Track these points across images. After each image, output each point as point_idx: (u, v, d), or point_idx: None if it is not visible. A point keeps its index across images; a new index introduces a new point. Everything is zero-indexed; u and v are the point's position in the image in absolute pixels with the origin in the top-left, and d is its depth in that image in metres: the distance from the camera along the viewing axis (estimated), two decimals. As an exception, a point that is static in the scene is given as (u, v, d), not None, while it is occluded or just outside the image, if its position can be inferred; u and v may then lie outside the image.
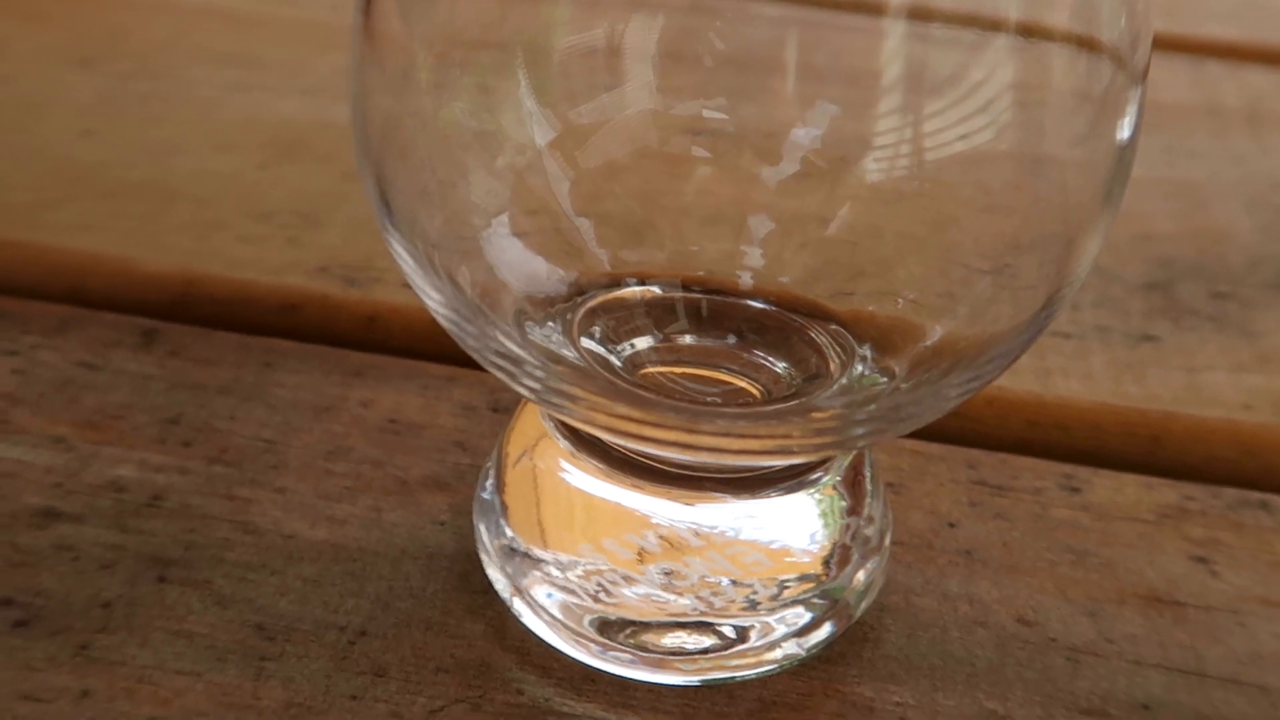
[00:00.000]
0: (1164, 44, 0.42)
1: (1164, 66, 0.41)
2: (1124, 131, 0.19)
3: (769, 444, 0.18)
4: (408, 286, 0.28)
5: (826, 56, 0.21)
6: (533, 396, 0.19)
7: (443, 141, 0.20)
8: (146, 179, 0.32)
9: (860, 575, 0.21)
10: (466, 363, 0.26)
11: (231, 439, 0.24)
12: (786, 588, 0.21)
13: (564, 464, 0.21)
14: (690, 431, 0.18)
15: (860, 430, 0.18)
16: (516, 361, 0.19)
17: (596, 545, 0.21)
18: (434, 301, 0.19)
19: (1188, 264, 0.31)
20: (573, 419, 0.19)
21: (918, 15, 0.19)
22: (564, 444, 0.21)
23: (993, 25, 0.19)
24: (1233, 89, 0.40)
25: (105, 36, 0.39)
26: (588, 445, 0.21)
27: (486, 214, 0.21)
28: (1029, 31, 0.18)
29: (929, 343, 0.20)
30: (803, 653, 0.21)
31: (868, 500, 0.22)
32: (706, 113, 0.22)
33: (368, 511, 0.23)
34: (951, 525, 0.24)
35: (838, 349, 0.21)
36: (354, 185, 0.32)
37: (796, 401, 0.20)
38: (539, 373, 0.18)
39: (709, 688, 0.20)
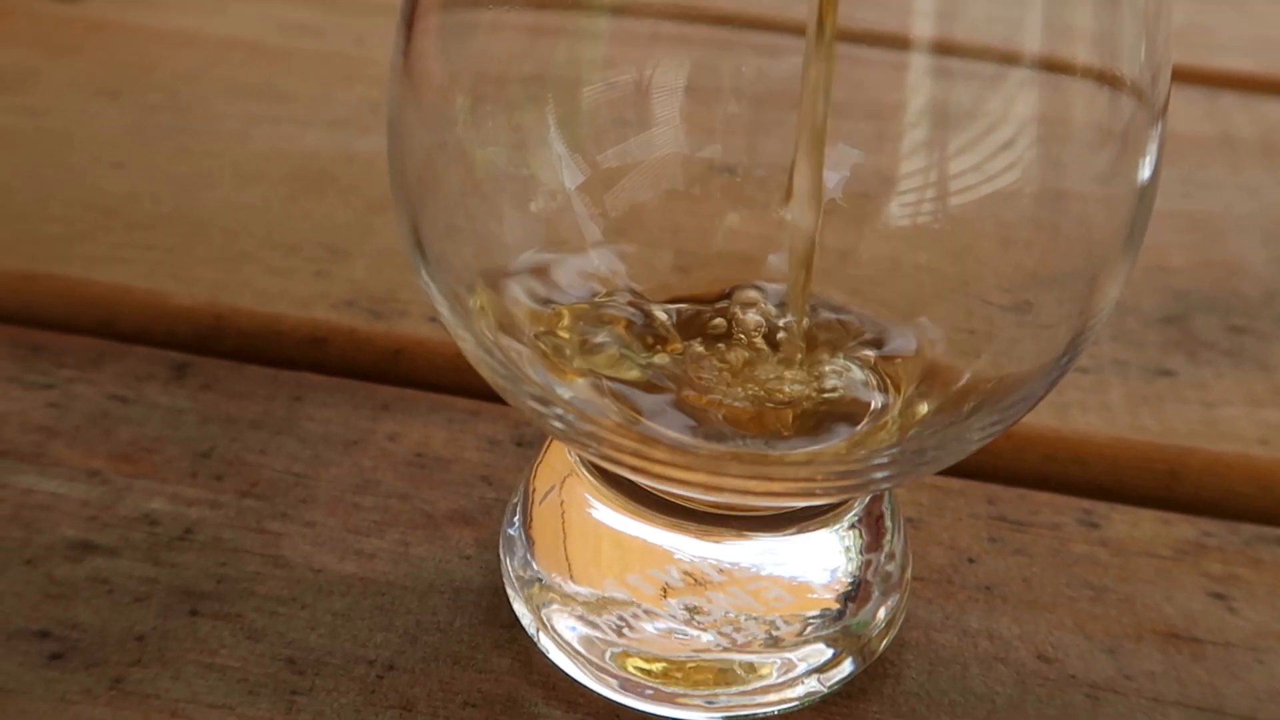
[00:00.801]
0: (1178, 75, 0.42)
1: (1178, 98, 0.41)
2: (1145, 170, 0.19)
3: (792, 486, 0.18)
4: (432, 320, 0.29)
5: (849, 92, 0.21)
6: (560, 436, 0.19)
7: (478, 185, 0.21)
8: (175, 211, 0.33)
9: (881, 612, 0.22)
10: (490, 396, 0.26)
11: (262, 472, 0.25)
12: (808, 624, 0.21)
13: (591, 500, 0.21)
14: (716, 474, 0.18)
15: (883, 473, 0.18)
16: (545, 402, 0.19)
17: (621, 580, 0.21)
18: (466, 342, 0.19)
19: (1203, 297, 0.32)
20: (599, 459, 0.19)
21: (940, 50, 0.19)
22: (592, 480, 0.21)
23: (1014, 59, 0.19)
24: (1247, 121, 0.40)
25: (134, 69, 0.39)
26: (615, 482, 0.21)
27: (518, 252, 0.21)
28: (1051, 66, 0.19)
29: (955, 384, 0.20)
30: (824, 689, 0.21)
31: (888, 537, 0.22)
32: (731, 155, 0.22)
33: (395, 545, 0.23)
34: (971, 561, 0.24)
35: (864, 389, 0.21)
36: (379, 217, 0.33)
37: (818, 446, 0.20)
38: (566, 414, 0.19)
39: (732, 723, 0.21)
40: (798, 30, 0.20)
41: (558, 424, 0.19)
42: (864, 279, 0.22)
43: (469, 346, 0.19)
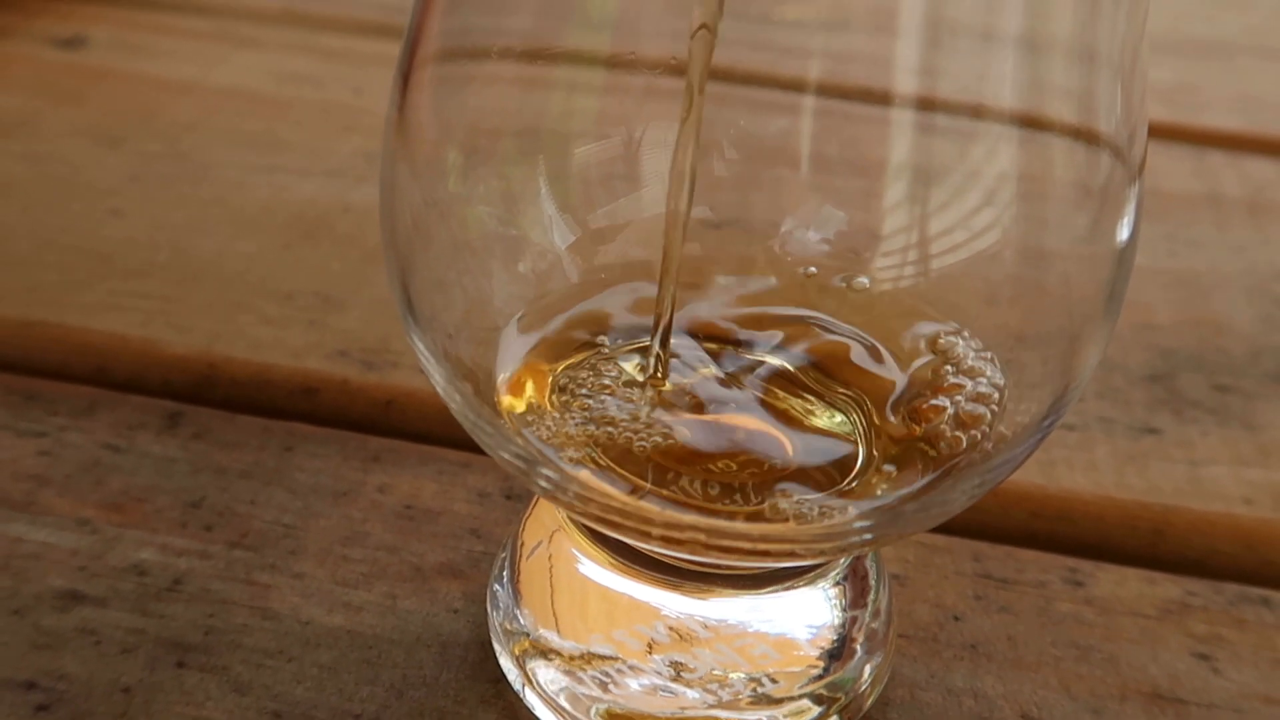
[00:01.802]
0: (1166, 133, 0.43)
1: (1166, 155, 0.42)
2: (1124, 231, 0.19)
3: (775, 547, 0.19)
4: (424, 372, 0.29)
5: (835, 147, 0.21)
6: (546, 495, 0.19)
7: (468, 243, 0.21)
8: (172, 259, 0.33)
9: (867, 669, 0.22)
10: (480, 448, 0.26)
11: (252, 523, 0.25)
12: (794, 681, 0.21)
13: (579, 555, 0.22)
14: (706, 533, 0.18)
15: (866, 536, 0.18)
16: (530, 461, 0.19)
17: (607, 636, 0.21)
18: (454, 403, 0.20)
19: (1189, 355, 0.32)
20: (585, 518, 0.19)
21: (922, 106, 0.20)
22: (579, 536, 0.21)
23: (992, 117, 0.19)
24: (1234, 179, 0.41)
25: (135, 117, 0.40)
26: (602, 538, 0.21)
27: (506, 312, 0.22)
28: (1030, 123, 0.19)
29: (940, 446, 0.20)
30: (809, 747, 0.21)
31: (873, 594, 0.22)
32: (721, 211, 0.23)
33: (383, 598, 0.23)
34: (956, 618, 0.24)
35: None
36: (373, 268, 0.33)
37: (803, 508, 0.20)
38: (552, 474, 0.19)
39: (716, 781, 0.21)
40: (788, 85, 0.21)
41: (543, 484, 0.19)
42: (850, 336, 0.23)
43: (456, 406, 0.20)
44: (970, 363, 0.21)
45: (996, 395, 0.21)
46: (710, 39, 0.19)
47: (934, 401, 0.21)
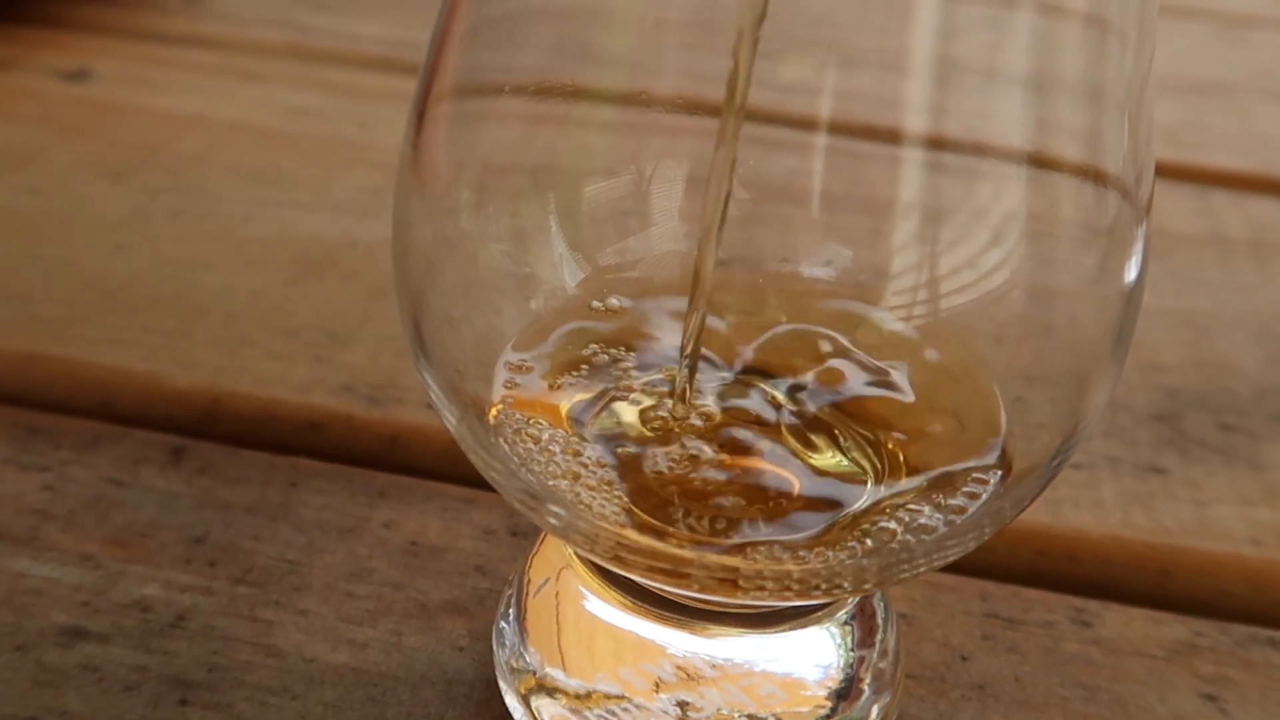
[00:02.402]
0: (1170, 173, 0.43)
1: (1170, 195, 0.42)
2: (1131, 272, 0.19)
3: (787, 585, 0.18)
4: (429, 407, 0.29)
5: (842, 185, 0.21)
6: (555, 532, 0.19)
7: (480, 280, 0.21)
8: (177, 294, 0.33)
9: (874, 709, 0.22)
10: (485, 484, 0.26)
11: (256, 559, 0.25)
12: (801, 722, 0.21)
13: (586, 593, 0.21)
14: (722, 570, 0.18)
15: (873, 577, 0.18)
16: (539, 498, 0.19)
17: (613, 674, 0.21)
18: (464, 441, 0.20)
19: (1195, 395, 0.32)
20: (595, 556, 0.19)
21: (931, 145, 0.20)
22: (587, 574, 0.21)
23: (1000, 156, 0.19)
24: (1238, 219, 0.41)
25: (139, 150, 0.40)
26: (610, 576, 0.21)
27: (518, 348, 0.22)
28: (1038, 162, 0.19)
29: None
30: (817, 789, 0.21)
31: (880, 633, 0.22)
32: (729, 249, 0.23)
33: (388, 635, 0.23)
34: (964, 658, 0.24)
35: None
36: (379, 303, 0.33)
37: (818, 551, 0.20)
38: (562, 512, 0.19)
39: (724, 823, 0.20)
40: (798, 123, 0.21)
41: (551, 520, 0.19)
42: (854, 371, 0.23)
43: (467, 444, 0.19)
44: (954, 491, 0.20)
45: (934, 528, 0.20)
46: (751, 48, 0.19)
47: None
